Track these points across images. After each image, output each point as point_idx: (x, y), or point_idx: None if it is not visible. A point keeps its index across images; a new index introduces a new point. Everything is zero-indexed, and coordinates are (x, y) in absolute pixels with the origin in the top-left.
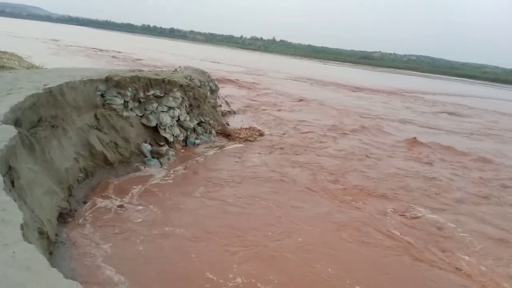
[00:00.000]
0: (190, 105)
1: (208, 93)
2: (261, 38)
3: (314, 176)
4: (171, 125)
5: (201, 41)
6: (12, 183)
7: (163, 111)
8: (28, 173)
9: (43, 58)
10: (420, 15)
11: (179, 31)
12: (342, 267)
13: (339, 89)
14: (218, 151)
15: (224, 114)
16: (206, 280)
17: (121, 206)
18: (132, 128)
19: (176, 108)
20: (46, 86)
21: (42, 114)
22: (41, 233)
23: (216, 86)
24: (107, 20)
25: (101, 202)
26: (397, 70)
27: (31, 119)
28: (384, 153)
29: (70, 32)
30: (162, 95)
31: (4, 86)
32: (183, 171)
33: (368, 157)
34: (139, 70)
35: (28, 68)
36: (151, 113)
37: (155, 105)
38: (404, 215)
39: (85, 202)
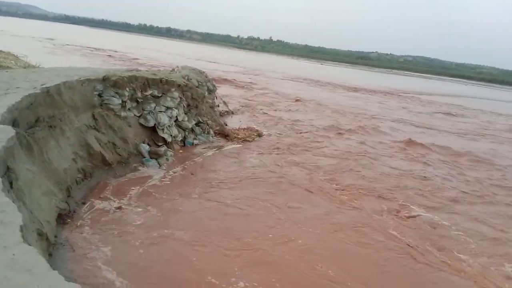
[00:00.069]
0: (188, 105)
1: (206, 93)
2: (258, 38)
3: (312, 176)
4: (169, 125)
5: (198, 40)
6: (10, 184)
7: (161, 111)
8: (26, 174)
9: (39, 57)
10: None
11: (176, 30)
12: (343, 268)
13: (336, 89)
14: (217, 151)
15: (222, 114)
16: (208, 285)
17: (119, 208)
18: (130, 128)
19: (174, 108)
20: (44, 86)
21: (39, 114)
22: (40, 234)
23: (213, 86)
24: (103, 19)
25: (99, 204)
26: (393, 70)
27: (29, 119)
28: (380, 153)
29: (66, 31)
30: (159, 95)
31: (1, 86)
32: (181, 172)
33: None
34: (136, 70)
35: (24, 68)
36: (149, 113)
37: (152, 105)
38: (401, 215)
39: (83, 203)
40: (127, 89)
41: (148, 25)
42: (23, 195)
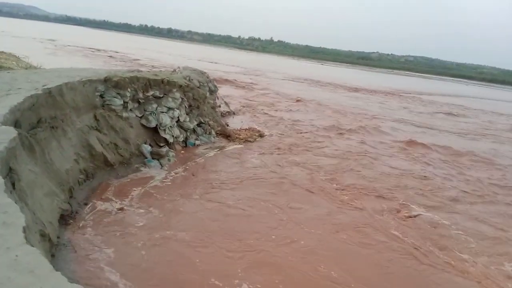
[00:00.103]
0: (190, 105)
1: (208, 93)
2: (259, 39)
3: (313, 176)
4: (170, 126)
5: (199, 41)
6: (12, 185)
7: (162, 112)
8: (28, 175)
9: (41, 58)
10: (420, 15)
11: (176, 31)
12: (345, 269)
13: (337, 89)
14: (218, 152)
15: (223, 114)
16: (211, 287)
17: (121, 209)
18: (131, 129)
19: (175, 109)
20: (45, 87)
21: (41, 115)
22: (43, 235)
23: (215, 86)
24: (104, 20)
25: (101, 205)
26: (394, 70)
27: (31, 120)
28: (381, 153)
29: (68, 32)
30: (161, 95)
31: (3, 87)
32: (183, 172)
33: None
34: (138, 71)
35: (26, 68)
36: (150, 113)
37: (154, 105)
38: (401, 214)
39: (86, 204)
40: (129, 89)
41: (149, 26)
42: (26, 196)
